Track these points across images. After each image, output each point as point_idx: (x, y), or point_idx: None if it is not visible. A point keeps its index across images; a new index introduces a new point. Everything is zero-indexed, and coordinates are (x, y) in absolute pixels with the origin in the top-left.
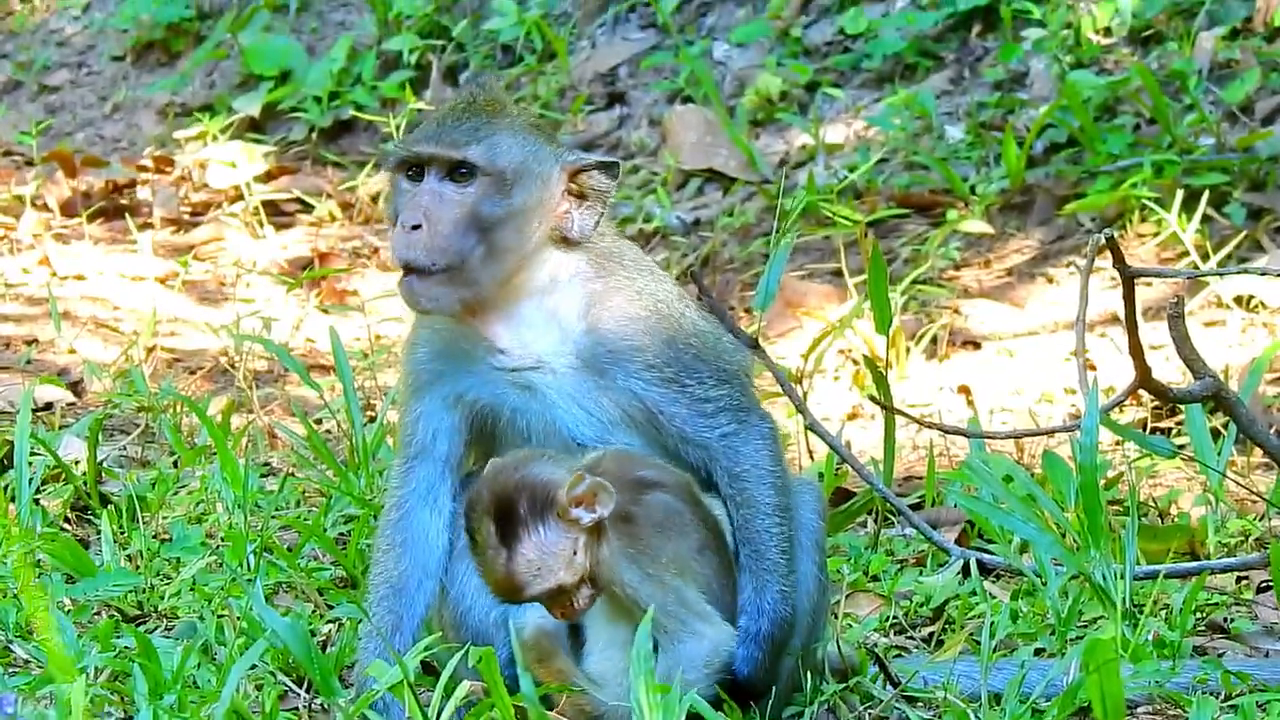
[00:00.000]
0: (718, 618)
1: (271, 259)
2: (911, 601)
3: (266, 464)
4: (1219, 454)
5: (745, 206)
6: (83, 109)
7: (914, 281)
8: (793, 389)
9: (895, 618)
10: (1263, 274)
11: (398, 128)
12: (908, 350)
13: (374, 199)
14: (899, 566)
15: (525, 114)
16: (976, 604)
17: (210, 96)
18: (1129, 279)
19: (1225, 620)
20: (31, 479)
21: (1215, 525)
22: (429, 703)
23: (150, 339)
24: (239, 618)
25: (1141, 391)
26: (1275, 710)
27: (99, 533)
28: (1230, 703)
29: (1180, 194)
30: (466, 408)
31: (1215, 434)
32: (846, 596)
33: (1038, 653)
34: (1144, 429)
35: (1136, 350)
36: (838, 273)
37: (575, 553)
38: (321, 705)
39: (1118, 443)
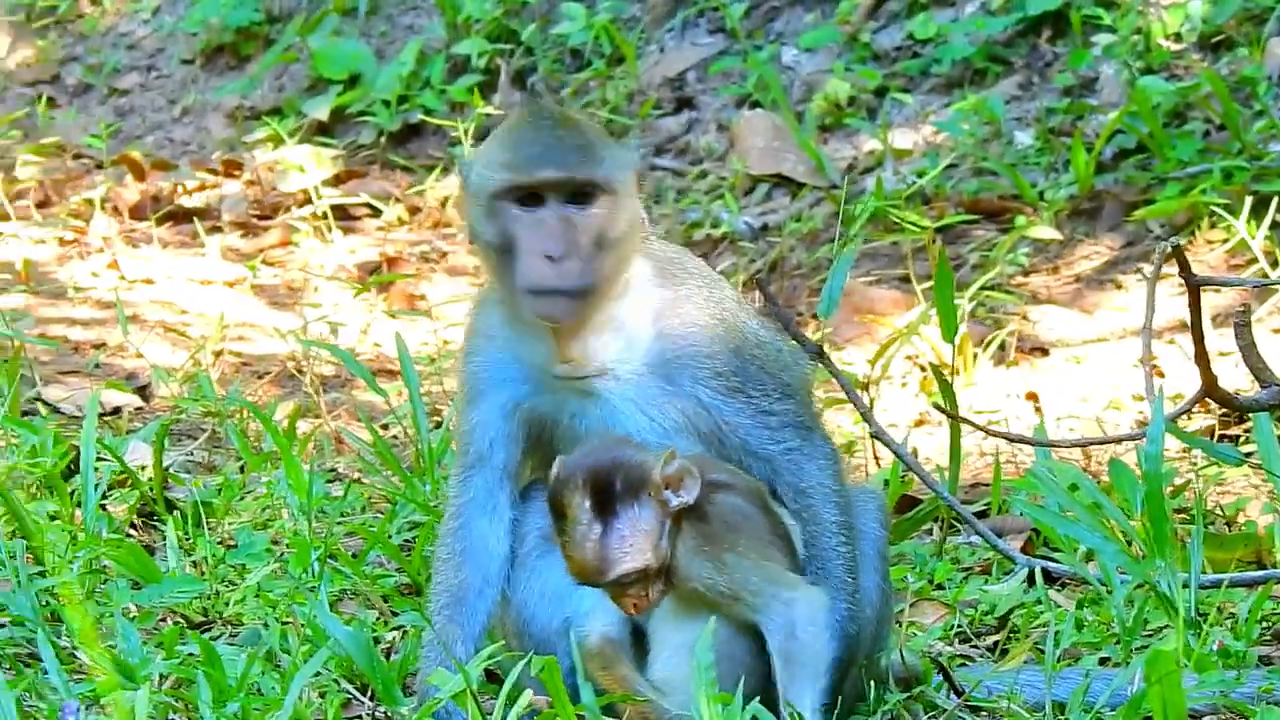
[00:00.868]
0: (803, 582)
1: (339, 263)
2: (976, 610)
3: (332, 470)
4: None
5: (813, 212)
6: (152, 112)
7: (982, 288)
8: (858, 396)
9: (960, 626)
10: None
11: (466, 132)
12: (975, 357)
13: (442, 203)
14: (964, 575)
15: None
16: (1041, 613)
17: (279, 100)
18: (1195, 287)
19: None
20: (98, 484)
21: None
22: (491, 711)
23: (218, 343)
24: (303, 625)
25: (1209, 399)
26: None
27: (164, 539)
28: None
29: (1249, 200)
30: (524, 414)
31: None
32: (911, 605)
33: (1102, 662)
34: (1211, 436)
35: (1202, 358)
36: (906, 279)
37: (662, 536)
38: (385, 713)
39: (1185, 450)
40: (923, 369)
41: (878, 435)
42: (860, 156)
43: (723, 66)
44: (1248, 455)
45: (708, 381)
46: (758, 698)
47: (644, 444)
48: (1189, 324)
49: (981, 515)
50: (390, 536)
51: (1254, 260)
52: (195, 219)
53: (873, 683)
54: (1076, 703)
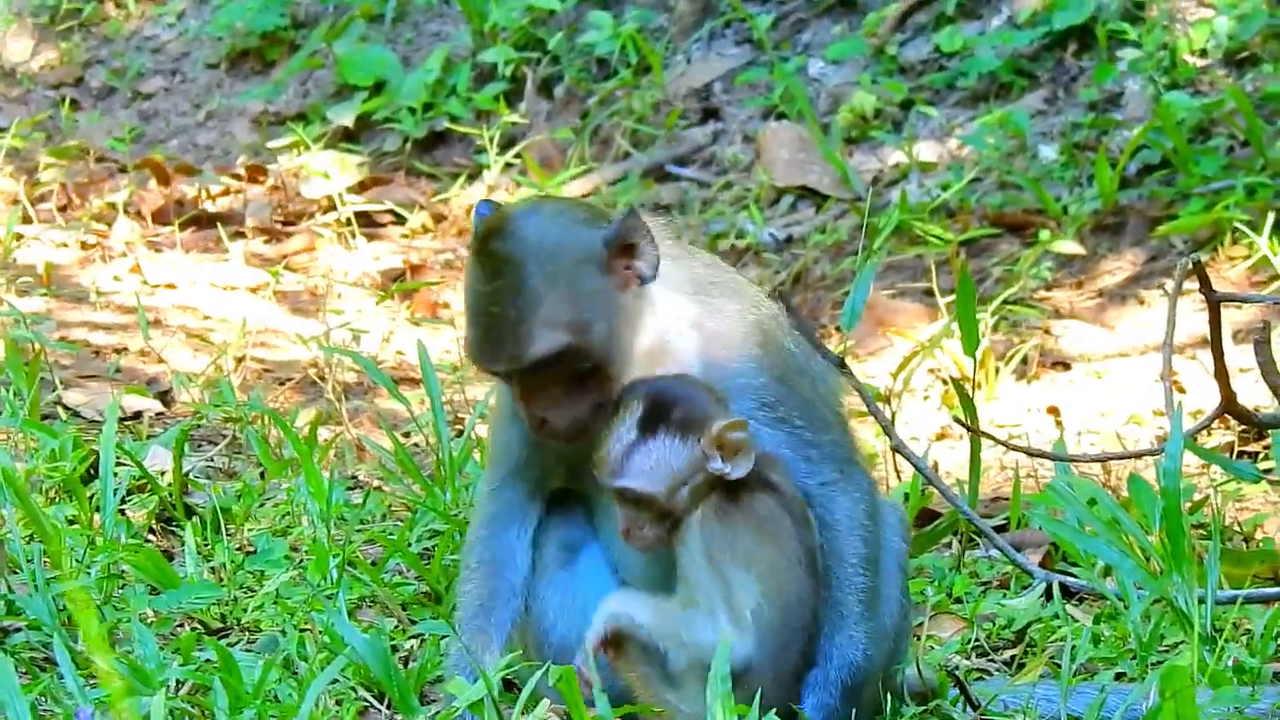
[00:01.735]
0: (747, 634)
1: (363, 270)
2: (994, 624)
3: (353, 477)
4: None
5: (838, 224)
6: (176, 116)
7: (1005, 301)
8: (879, 409)
9: (977, 640)
10: None
11: (491, 140)
12: (997, 370)
13: (467, 211)
14: (983, 589)
15: (546, 226)
16: (1058, 627)
17: (304, 106)
18: (1215, 304)
19: None
20: (117, 489)
21: None
22: None
23: (240, 349)
24: (321, 632)
25: (1228, 415)
26: None
27: (183, 544)
28: None
29: (1271, 217)
30: None
31: None
32: (930, 618)
33: (1119, 677)
34: (1230, 453)
35: (1222, 375)
36: (929, 292)
37: (685, 483)
38: None
39: (1203, 466)
40: (944, 382)
41: (898, 448)
42: (885, 169)
43: (749, 78)
44: (1266, 472)
45: (754, 413)
46: (774, 709)
47: (724, 400)
48: (1209, 340)
49: (1001, 529)
50: (410, 545)
51: (1276, 277)
52: (218, 224)
53: (889, 695)
54: (1092, 717)
